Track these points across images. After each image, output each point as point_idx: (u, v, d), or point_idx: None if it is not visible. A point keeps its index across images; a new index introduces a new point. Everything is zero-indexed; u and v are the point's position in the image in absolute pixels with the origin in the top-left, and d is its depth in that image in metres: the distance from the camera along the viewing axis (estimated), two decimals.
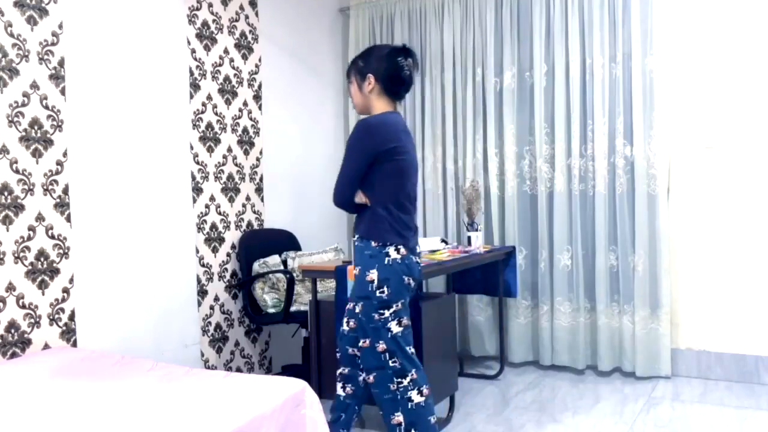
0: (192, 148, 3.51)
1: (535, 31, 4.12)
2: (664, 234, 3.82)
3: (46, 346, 2.76)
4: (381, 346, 2.47)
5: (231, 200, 3.75)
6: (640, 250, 3.86)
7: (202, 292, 3.54)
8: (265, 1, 4.04)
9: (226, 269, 3.70)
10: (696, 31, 3.84)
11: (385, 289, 2.45)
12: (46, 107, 2.79)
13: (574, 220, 4.03)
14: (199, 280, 3.52)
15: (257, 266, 3.66)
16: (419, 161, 4.49)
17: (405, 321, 2.49)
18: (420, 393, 2.47)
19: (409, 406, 2.46)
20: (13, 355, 2.65)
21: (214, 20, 3.67)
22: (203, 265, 3.56)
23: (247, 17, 3.91)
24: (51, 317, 2.79)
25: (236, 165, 3.80)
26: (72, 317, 2.87)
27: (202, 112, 3.58)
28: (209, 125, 3.62)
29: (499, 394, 3.72)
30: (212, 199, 3.63)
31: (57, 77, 2.84)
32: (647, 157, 3.85)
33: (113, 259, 3.05)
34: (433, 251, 3.57)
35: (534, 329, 4.23)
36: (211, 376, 2.34)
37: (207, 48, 3.63)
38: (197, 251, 3.53)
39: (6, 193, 2.63)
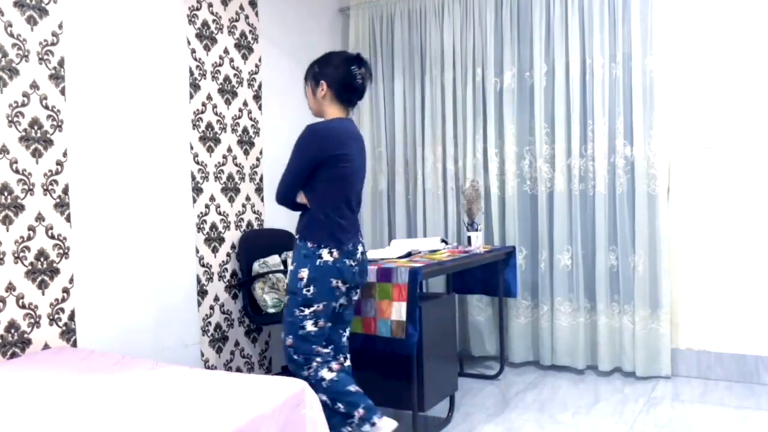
0: (192, 148, 3.51)
1: (535, 31, 4.12)
2: (664, 234, 3.82)
3: (46, 346, 2.76)
4: (289, 340, 2.61)
5: (231, 200, 3.75)
6: (640, 250, 3.86)
7: (202, 292, 3.54)
8: (265, 1, 4.04)
9: (226, 269, 3.70)
10: (696, 31, 3.84)
11: (312, 288, 2.56)
12: (46, 107, 2.79)
13: (574, 220, 4.03)
14: (199, 280, 3.52)
15: (257, 266, 3.66)
16: (420, 161, 4.50)
17: (322, 323, 2.61)
18: (330, 369, 2.62)
19: (324, 385, 2.59)
20: (13, 355, 2.65)
21: (214, 20, 3.67)
22: (203, 265, 3.56)
23: (247, 17, 3.91)
24: (51, 317, 2.79)
25: (236, 165, 3.80)
26: (72, 317, 2.87)
27: (202, 112, 3.58)
28: (209, 125, 3.62)
29: (499, 394, 3.72)
30: (212, 199, 3.63)
31: (57, 77, 2.84)
32: (647, 157, 3.85)
33: (113, 259, 3.05)
34: (433, 251, 3.57)
35: (534, 329, 4.23)
36: (211, 376, 2.34)
37: (207, 48, 3.63)
38: (197, 251, 3.52)
39: (6, 193, 2.63)
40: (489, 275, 4.00)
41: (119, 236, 3.08)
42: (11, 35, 2.67)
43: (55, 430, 1.83)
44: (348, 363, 2.79)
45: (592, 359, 4.06)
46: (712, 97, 3.81)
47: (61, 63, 2.85)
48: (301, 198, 2.64)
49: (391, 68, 4.60)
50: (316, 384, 2.56)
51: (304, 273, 2.56)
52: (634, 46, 3.85)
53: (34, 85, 2.75)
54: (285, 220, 4.13)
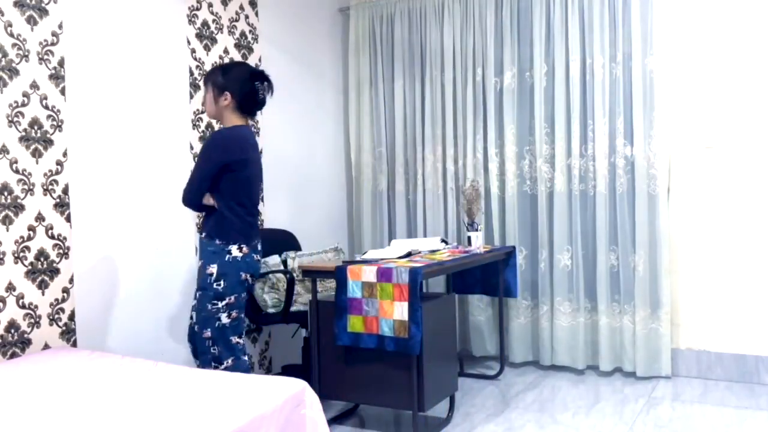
0: (192, 148, 3.51)
1: (535, 31, 4.12)
2: (664, 234, 3.82)
3: (46, 346, 2.76)
4: (206, 333, 2.73)
5: None
6: (640, 250, 3.86)
7: None
8: (265, 1, 4.04)
9: None
10: (696, 31, 3.84)
11: (222, 282, 2.70)
12: (46, 107, 2.79)
13: (574, 220, 4.03)
14: None
15: None
16: (420, 161, 4.50)
17: (235, 314, 2.75)
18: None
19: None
20: (13, 355, 2.65)
21: (214, 20, 3.67)
22: None
23: (247, 17, 3.91)
24: (51, 317, 2.79)
25: None
26: (72, 317, 2.87)
27: (202, 112, 3.58)
28: (209, 125, 3.62)
29: (499, 394, 3.72)
30: None
31: (57, 77, 2.84)
32: (647, 157, 3.85)
33: (113, 259, 3.05)
34: (433, 251, 3.57)
35: (534, 329, 4.23)
36: (211, 376, 2.34)
37: (207, 48, 3.63)
38: (197, 251, 3.52)
39: (6, 193, 2.63)
40: (489, 275, 4.00)
41: (119, 236, 3.08)
42: (11, 35, 2.67)
43: (55, 430, 1.83)
44: None
45: (592, 359, 4.06)
46: (712, 97, 3.81)
47: (61, 63, 2.85)
48: (207, 200, 2.77)
49: (391, 68, 4.60)
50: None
51: (213, 269, 2.71)
52: (634, 46, 3.85)
53: (34, 85, 2.75)
54: (285, 220, 4.13)
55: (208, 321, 2.73)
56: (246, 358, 2.82)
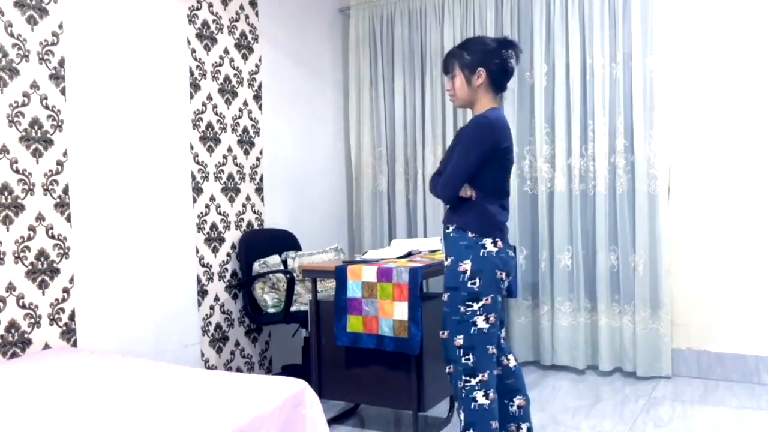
0: (192, 148, 3.51)
1: (535, 31, 4.12)
2: (664, 234, 3.82)
3: (46, 346, 2.76)
4: (458, 340, 2.42)
5: (231, 200, 3.76)
6: (640, 250, 3.86)
7: (202, 292, 3.54)
8: (265, 1, 4.04)
9: (226, 269, 3.70)
10: (696, 31, 3.83)
11: (477, 280, 2.41)
12: (46, 107, 2.79)
13: (574, 220, 4.03)
14: (199, 280, 3.52)
15: (257, 266, 3.66)
16: (420, 161, 4.50)
17: (492, 318, 2.44)
18: (486, 396, 2.43)
19: (472, 406, 2.43)
20: (13, 355, 2.65)
21: (214, 20, 3.67)
22: (203, 265, 3.56)
23: (247, 17, 3.91)
24: (51, 317, 2.79)
25: (236, 165, 3.80)
26: (72, 317, 2.87)
27: (202, 112, 3.58)
28: (209, 125, 3.62)
29: None
30: (212, 199, 3.63)
31: (57, 77, 2.84)
32: (648, 157, 3.85)
33: (113, 259, 3.05)
34: (433, 251, 3.57)
35: (534, 329, 4.23)
36: (211, 376, 2.34)
37: (207, 48, 3.63)
38: (197, 251, 3.52)
39: (6, 193, 2.64)
40: None
41: (119, 236, 3.08)
42: (11, 35, 2.67)
43: (55, 429, 1.83)
44: (512, 363, 2.63)
45: (592, 359, 4.05)
46: (712, 97, 3.81)
47: (61, 63, 2.85)
48: (465, 191, 2.48)
49: (391, 68, 4.59)
50: (465, 400, 2.44)
51: (467, 265, 2.42)
52: (635, 46, 3.85)
53: (35, 85, 2.75)
54: (285, 220, 4.14)
55: (461, 326, 2.42)
56: (496, 371, 2.49)
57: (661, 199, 3.83)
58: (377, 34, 4.62)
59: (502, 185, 2.53)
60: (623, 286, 3.94)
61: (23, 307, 2.69)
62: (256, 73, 3.97)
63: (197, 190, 3.54)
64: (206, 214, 3.59)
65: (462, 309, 2.42)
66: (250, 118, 3.91)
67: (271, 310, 3.64)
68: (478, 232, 2.44)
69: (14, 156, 2.67)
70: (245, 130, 3.87)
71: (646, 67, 3.85)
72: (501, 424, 2.55)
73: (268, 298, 3.64)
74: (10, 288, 2.64)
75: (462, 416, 2.46)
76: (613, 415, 3.32)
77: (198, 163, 3.55)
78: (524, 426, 2.62)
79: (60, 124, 2.84)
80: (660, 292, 3.84)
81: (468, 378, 2.43)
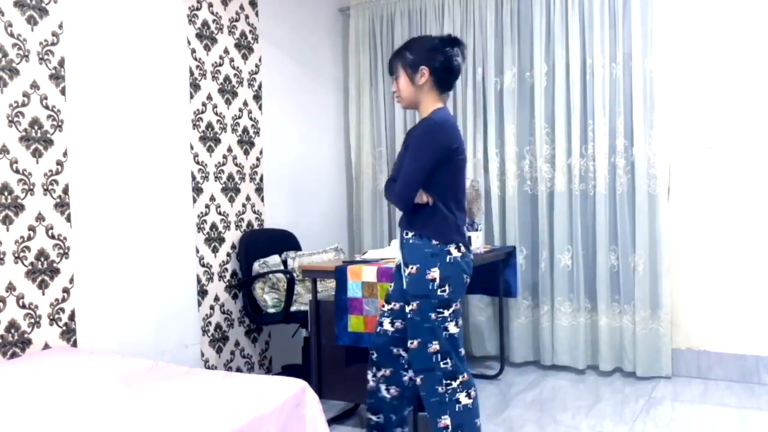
0: (192, 148, 3.51)
1: (535, 31, 4.12)
2: (664, 234, 3.82)
3: (46, 346, 2.76)
4: (433, 346, 2.41)
5: (231, 200, 3.76)
6: (640, 250, 3.86)
7: (202, 292, 3.54)
8: (265, 1, 4.04)
9: (226, 269, 3.70)
10: (696, 31, 3.83)
11: (447, 287, 2.41)
12: (46, 107, 2.79)
13: (574, 220, 4.03)
14: (199, 280, 3.52)
15: (257, 266, 3.66)
16: None
17: (460, 322, 2.48)
18: (468, 395, 2.44)
19: (457, 409, 2.42)
20: (13, 355, 2.65)
21: (214, 20, 3.67)
22: (203, 265, 3.56)
23: (247, 17, 3.91)
24: (51, 317, 2.79)
25: (236, 165, 3.80)
26: (72, 317, 2.87)
27: (202, 112, 3.58)
28: (209, 125, 3.62)
29: (499, 394, 3.72)
30: (212, 199, 3.63)
31: (57, 77, 2.84)
32: (648, 157, 3.85)
33: (113, 259, 3.05)
34: None
35: (534, 329, 4.23)
36: (211, 376, 2.34)
37: (207, 48, 3.63)
38: (197, 251, 3.52)
39: (6, 193, 2.64)
40: (489, 275, 4.00)
41: (119, 236, 3.08)
42: (11, 35, 2.67)
43: (55, 430, 1.83)
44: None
45: (592, 359, 4.06)
46: (712, 97, 3.81)
47: (61, 63, 2.85)
48: (421, 197, 2.45)
49: None
50: (449, 405, 2.42)
51: (435, 273, 2.40)
52: (635, 46, 3.85)
53: (35, 85, 2.75)
54: (285, 220, 4.14)
55: (435, 332, 2.40)
56: (467, 395, 2.48)
57: (661, 199, 3.83)
58: (377, 34, 4.62)
59: (457, 187, 2.49)
60: (623, 286, 3.94)
61: (23, 307, 2.69)
62: (256, 73, 3.97)
63: (197, 190, 3.54)
64: (206, 214, 3.59)
65: (433, 316, 2.41)
66: (250, 118, 3.91)
67: (271, 310, 3.64)
68: (441, 240, 2.42)
69: (14, 156, 2.67)
70: (245, 130, 3.87)
71: (646, 67, 3.85)
72: (375, 410, 2.62)
73: (268, 298, 3.64)
74: (10, 288, 2.64)
75: (446, 422, 2.43)
76: (613, 415, 3.33)
77: (198, 163, 3.55)
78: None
79: (60, 124, 2.84)
80: (660, 292, 3.84)
81: (449, 381, 2.42)
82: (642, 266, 3.86)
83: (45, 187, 2.78)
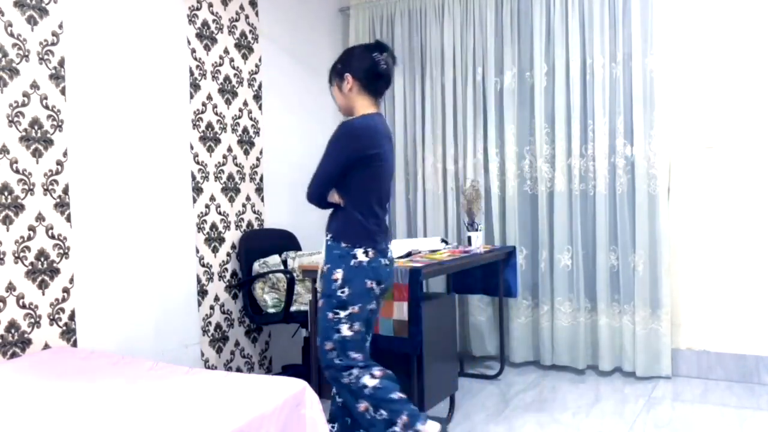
0: (192, 148, 3.51)
1: (535, 31, 4.12)
2: (664, 234, 3.82)
3: (46, 346, 2.76)
4: (329, 344, 2.46)
5: (231, 200, 3.75)
6: (640, 250, 3.86)
7: (202, 292, 3.54)
8: (265, 1, 4.04)
9: (226, 269, 3.70)
10: (696, 31, 3.83)
11: (346, 289, 2.44)
12: (46, 107, 2.79)
13: (574, 220, 4.03)
14: (199, 280, 3.52)
15: (257, 266, 3.66)
16: (420, 161, 4.50)
17: (357, 327, 2.46)
18: (372, 376, 2.46)
19: (366, 392, 2.45)
20: (13, 355, 2.65)
21: (214, 20, 3.67)
22: (203, 265, 3.56)
23: (247, 17, 3.91)
24: (51, 317, 2.79)
25: (236, 165, 3.80)
26: (72, 317, 2.87)
27: (202, 112, 3.58)
28: (209, 125, 3.62)
29: (499, 394, 3.72)
30: (212, 199, 3.63)
31: (57, 77, 2.84)
32: (648, 157, 3.85)
33: (113, 259, 3.05)
34: (434, 251, 3.57)
35: (534, 329, 4.23)
36: (211, 376, 2.34)
37: (207, 48, 3.63)
38: (197, 251, 3.52)
39: (6, 193, 2.64)
40: (489, 275, 4.00)
41: (119, 236, 3.08)
42: (11, 35, 2.67)
43: (55, 430, 1.83)
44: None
45: (592, 359, 4.05)
46: (712, 97, 3.81)
47: (61, 63, 2.85)
48: (333, 197, 2.53)
49: None
50: (357, 391, 2.45)
51: (338, 274, 2.45)
52: (635, 46, 3.85)
53: (35, 85, 2.75)
54: (285, 220, 4.14)
55: (329, 331, 2.46)
56: (371, 376, 2.47)
57: (661, 199, 3.83)
58: (377, 34, 4.62)
59: (373, 193, 2.51)
60: (623, 286, 3.94)
61: (23, 307, 2.69)
62: (256, 73, 3.97)
63: (197, 190, 3.54)
64: (206, 214, 3.59)
65: (330, 315, 2.45)
66: (250, 118, 3.91)
67: (271, 310, 3.64)
68: (349, 243, 2.47)
69: (14, 156, 2.67)
70: (245, 130, 3.87)
71: (646, 67, 3.85)
72: (332, 418, 2.60)
73: (268, 298, 3.64)
74: (10, 288, 2.64)
75: (364, 406, 2.45)
76: (613, 415, 3.33)
77: (198, 163, 3.55)
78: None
79: (60, 124, 2.84)
80: (660, 292, 3.84)
81: (349, 372, 2.46)
82: (642, 266, 3.85)
83: (45, 187, 2.78)
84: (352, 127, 2.50)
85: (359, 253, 2.46)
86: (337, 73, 2.60)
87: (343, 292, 2.44)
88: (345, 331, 2.45)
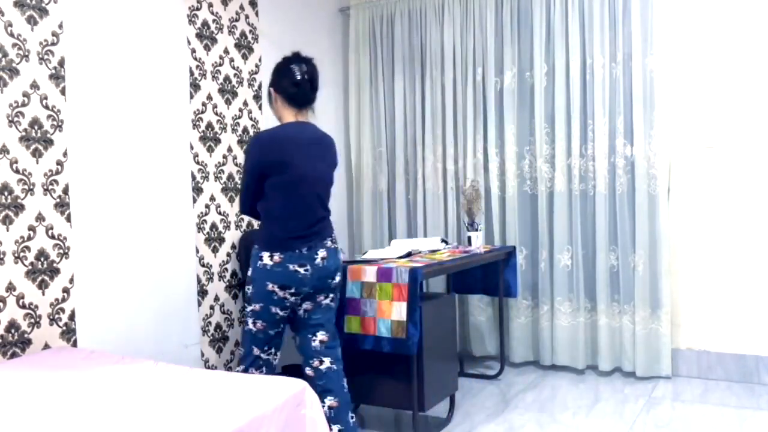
0: (192, 148, 3.51)
1: (535, 31, 4.12)
2: (664, 234, 3.82)
3: (46, 346, 2.76)
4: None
5: (231, 200, 3.75)
6: (640, 250, 3.86)
7: (202, 292, 3.54)
8: (265, 1, 4.04)
9: (226, 269, 3.70)
10: (696, 31, 3.84)
11: (251, 288, 2.68)
12: (46, 107, 2.79)
13: (574, 220, 4.03)
14: (199, 280, 3.52)
15: None
16: (420, 161, 4.50)
17: (260, 324, 2.69)
18: (260, 371, 2.76)
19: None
20: (13, 355, 2.65)
21: (214, 20, 3.67)
22: (203, 265, 3.56)
23: (247, 17, 3.91)
24: (51, 317, 2.79)
25: (236, 165, 3.80)
26: (72, 317, 2.87)
27: (202, 112, 3.58)
28: (209, 125, 3.62)
29: (499, 394, 3.72)
30: (212, 198, 3.63)
31: (57, 77, 2.84)
32: (647, 157, 3.85)
33: (113, 259, 3.05)
34: (434, 251, 3.57)
35: (534, 329, 4.23)
36: (211, 376, 2.34)
37: (207, 48, 3.63)
38: (197, 251, 3.52)
39: (6, 193, 2.63)
40: (489, 275, 4.00)
41: (119, 236, 3.08)
42: (11, 35, 2.67)
43: (55, 430, 1.83)
44: (324, 365, 2.76)
45: (592, 359, 4.06)
46: (712, 97, 3.81)
47: (61, 63, 2.85)
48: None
49: (391, 68, 4.60)
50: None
51: (249, 272, 2.70)
52: (635, 46, 3.85)
53: (35, 85, 2.75)
54: None
55: (244, 322, 2.76)
56: (257, 372, 2.73)
57: (661, 199, 3.83)
58: (377, 34, 4.62)
59: (287, 200, 2.63)
60: (623, 286, 3.94)
61: (23, 307, 2.69)
62: (256, 73, 3.97)
63: (197, 190, 3.54)
64: (206, 214, 3.59)
65: (245, 307, 2.75)
66: (250, 118, 3.91)
67: None
68: (259, 246, 2.67)
69: (14, 156, 2.67)
70: (245, 130, 3.87)
71: (646, 67, 3.85)
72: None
73: None
74: (10, 288, 2.64)
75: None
76: (613, 415, 3.33)
77: (198, 163, 3.55)
78: (335, 428, 2.69)
79: (60, 124, 2.84)
80: (660, 292, 3.84)
81: (245, 360, 2.76)
82: (642, 266, 3.86)
83: (45, 187, 2.78)
84: (257, 139, 2.74)
85: (265, 256, 2.63)
86: (268, 90, 2.81)
87: (249, 290, 2.70)
88: (250, 324, 2.71)
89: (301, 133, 2.69)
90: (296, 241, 2.62)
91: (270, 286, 2.62)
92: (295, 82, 2.69)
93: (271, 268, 2.61)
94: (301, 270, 2.62)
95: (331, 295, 2.77)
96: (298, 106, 2.72)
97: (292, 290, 2.64)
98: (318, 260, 2.65)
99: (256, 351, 2.73)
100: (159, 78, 3.32)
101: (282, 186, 2.62)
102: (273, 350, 2.77)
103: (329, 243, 2.71)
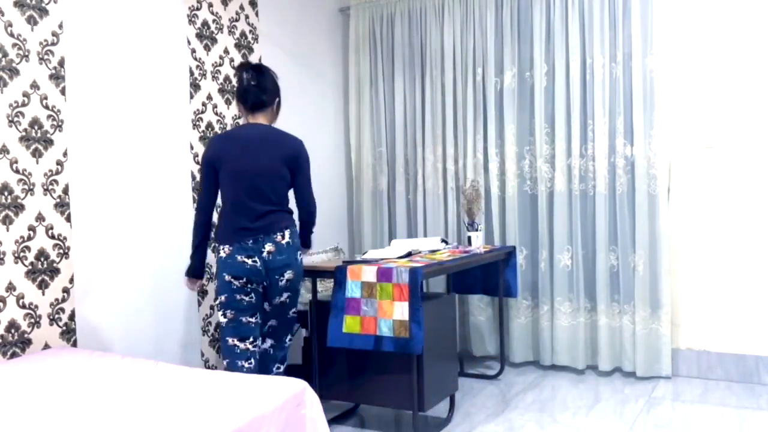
0: (192, 148, 3.51)
1: (535, 31, 4.12)
2: (664, 234, 3.82)
3: (46, 346, 2.76)
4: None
5: None
6: (640, 250, 3.86)
7: (202, 292, 3.54)
8: (265, 1, 4.04)
9: None
10: (696, 31, 3.84)
11: (216, 281, 2.82)
12: (46, 107, 2.79)
13: (574, 220, 4.03)
14: None
15: None
16: (420, 161, 4.49)
17: (230, 314, 2.78)
18: (240, 367, 2.82)
19: (227, 366, 2.84)
20: (13, 355, 2.65)
21: (214, 20, 3.67)
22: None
23: (247, 17, 3.91)
24: (51, 317, 2.79)
25: None
26: (72, 317, 2.87)
27: (202, 112, 3.58)
28: (209, 125, 3.62)
29: (499, 394, 3.72)
30: None
31: (57, 77, 2.84)
32: (647, 157, 3.85)
33: (113, 259, 3.05)
34: (434, 251, 3.57)
35: (534, 329, 4.23)
36: (211, 376, 2.34)
37: (207, 48, 3.63)
38: None
39: (6, 193, 2.63)
40: (489, 275, 4.00)
41: (119, 236, 3.08)
42: (11, 35, 2.67)
43: (55, 430, 1.83)
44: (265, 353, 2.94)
45: (592, 359, 4.06)
46: (712, 97, 3.81)
47: (61, 63, 2.85)
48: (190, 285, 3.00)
49: (391, 68, 4.60)
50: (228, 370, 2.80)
51: (214, 267, 2.88)
52: (635, 46, 3.85)
53: (35, 85, 2.75)
54: None
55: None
56: (247, 364, 2.80)
57: (661, 199, 3.83)
58: (377, 34, 4.62)
59: (233, 194, 2.77)
60: (623, 286, 3.94)
61: (23, 307, 2.69)
62: None
63: (197, 190, 3.53)
64: None
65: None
66: None
67: None
68: (217, 240, 2.84)
69: (14, 156, 2.67)
70: None
71: (646, 67, 3.85)
72: None
73: None
74: (10, 288, 2.64)
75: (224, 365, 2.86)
76: (613, 415, 3.33)
77: (198, 163, 3.54)
78: None
79: (60, 124, 2.84)
80: (660, 292, 3.84)
81: (225, 354, 2.83)
82: (642, 266, 3.86)
83: (45, 187, 2.78)
84: (210, 138, 2.91)
85: (221, 249, 2.78)
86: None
87: (215, 283, 2.84)
88: (220, 316, 2.81)
89: (248, 132, 2.85)
90: (241, 233, 2.75)
91: (227, 277, 2.75)
92: (242, 88, 2.87)
93: (224, 259, 2.76)
94: (249, 261, 2.74)
95: (286, 294, 2.84)
96: (250, 110, 2.88)
97: (243, 280, 2.75)
98: (264, 254, 2.75)
99: (231, 341, 2.79)
100: (159, 78, 3.32)
101: (228, 182, 2.79)
102: (251, 339, 2.80)
103: (279, 238, 2.79)
